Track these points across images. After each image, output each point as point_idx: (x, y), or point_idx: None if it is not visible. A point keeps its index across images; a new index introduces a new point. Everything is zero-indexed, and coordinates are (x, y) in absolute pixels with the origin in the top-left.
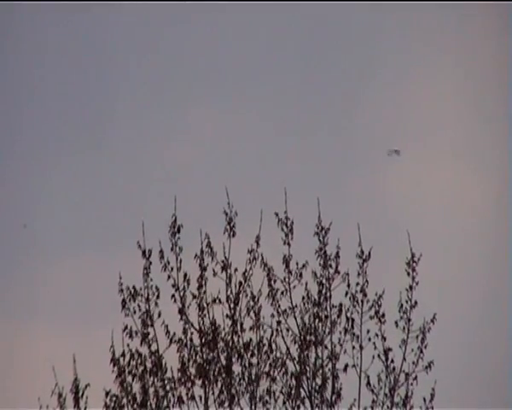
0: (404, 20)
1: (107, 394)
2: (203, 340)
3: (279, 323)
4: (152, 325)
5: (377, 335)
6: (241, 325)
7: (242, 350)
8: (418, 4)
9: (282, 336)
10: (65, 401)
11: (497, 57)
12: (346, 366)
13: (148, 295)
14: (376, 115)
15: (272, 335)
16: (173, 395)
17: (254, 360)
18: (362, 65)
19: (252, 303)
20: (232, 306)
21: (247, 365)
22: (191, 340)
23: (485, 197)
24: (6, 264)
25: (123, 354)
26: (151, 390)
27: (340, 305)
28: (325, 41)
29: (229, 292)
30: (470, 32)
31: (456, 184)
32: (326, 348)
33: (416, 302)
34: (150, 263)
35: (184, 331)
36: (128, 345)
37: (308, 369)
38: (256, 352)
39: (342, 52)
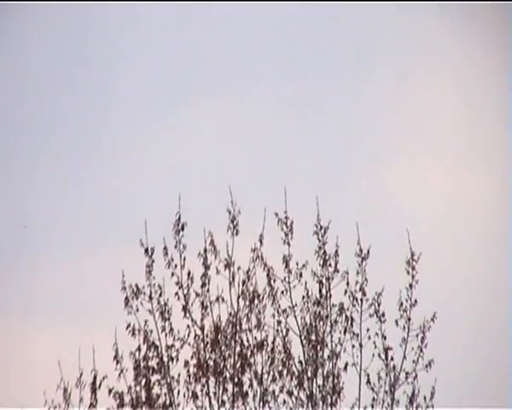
0: (403, 21)
1: (110, 391)
2: (215, 337)
3: (279, 323)
4: (169, 319)
5: (377, 334)
6: (243, 323)
7: (256, 349)
8: (418, 4)
9: (283, 336)
10: (70, 397)
11: (499, 57)
12: (346, 364)
13: (151, 292)
14: (376, 115)
15: (286, 335)
16: (188, 389)
17: (260, 359)
18: (361, 66)
19: (257, 302)
20: (247, 304)
21: (254, 364)
22: (207, 336)
23: (486, 195)
24: (6, 264)
25: (139, 349)
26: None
27: (342, 304)
28: (324, 41)
29: (238, 291)
30: (471, 31)
31: (457, 183)
32: (326, 346)
33: (415, 301)
34: (153, 261)
35: (201, 328)
36: (146, 336)
37: (310, 368)
38: (270, 352)
39: (342, 53)
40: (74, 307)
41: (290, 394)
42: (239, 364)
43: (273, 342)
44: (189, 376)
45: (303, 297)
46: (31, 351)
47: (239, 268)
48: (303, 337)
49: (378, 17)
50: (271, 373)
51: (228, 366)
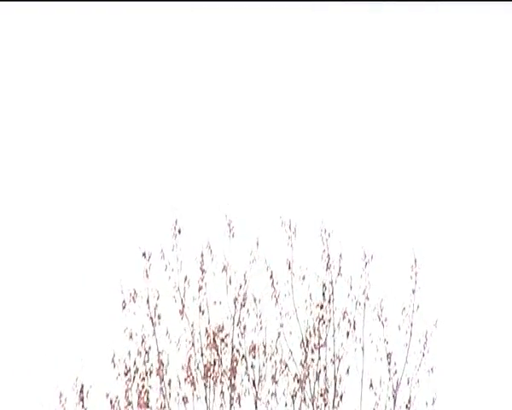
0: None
1: (107, 395)
2: (208, 341)
3: (282, 325)
4: (159, 324)
5: (379, 339)
6: (244, 327)
7: (247, 352)
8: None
9: (285, 339)
10: (66, 402)
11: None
12: (349, 368)
13: (149, 296)
14: (379, 118)
15: (279, 337)
16: (178, 394)
17: (257, 362)
18: (360, 67)
19: (254, 305)
20: (238, 307)
21: (249, 367)
22: (197, 341)
23: (492, 199)
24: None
25: (129, 354)
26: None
27: (345, 308)
28: (326, 42)
29: (234, 294)
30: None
31: (462, 188)
32: (329, 349)
33: (418, 307)
34: (150, 265)
35: (192, 332)
36: (143, 340)
37: (311, 371)
38: (263, 354)
39: (341, 53)
40: (72, 310)
41: (292, 396)
42: (236, 366)
43: (265, 346)
44: (185, 379)
45: (306, 301)
46: (26, 354)
47: (235, 272)
48: (305, 340)
49: (377, 21)
50: (271, 376)
51: (225, 369)
